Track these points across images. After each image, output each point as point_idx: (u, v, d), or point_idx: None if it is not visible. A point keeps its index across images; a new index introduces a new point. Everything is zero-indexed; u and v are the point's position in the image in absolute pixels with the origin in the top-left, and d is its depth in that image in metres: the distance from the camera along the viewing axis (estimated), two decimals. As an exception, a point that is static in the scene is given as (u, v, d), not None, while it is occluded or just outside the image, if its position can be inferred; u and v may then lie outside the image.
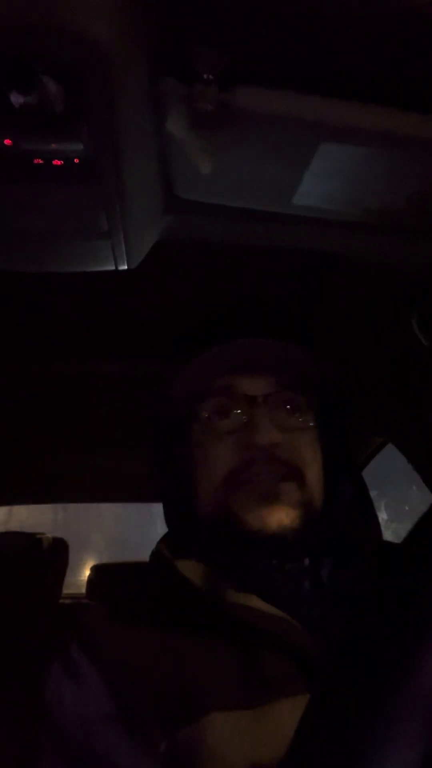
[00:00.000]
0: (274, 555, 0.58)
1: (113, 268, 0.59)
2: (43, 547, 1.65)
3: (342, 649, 0.30)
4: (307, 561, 0.60)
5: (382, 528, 1.36)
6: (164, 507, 0.69)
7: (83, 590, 1.90)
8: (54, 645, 0.67)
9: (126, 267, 0.59)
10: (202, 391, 0.64)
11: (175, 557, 0.63)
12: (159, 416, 0.69)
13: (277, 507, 0.58)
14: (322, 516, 0.62)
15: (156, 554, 0.68)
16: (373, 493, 1.35)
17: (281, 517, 0.58)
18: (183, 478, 0.65)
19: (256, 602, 0.56)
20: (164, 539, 0.69)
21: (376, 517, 1.34)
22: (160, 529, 0.71)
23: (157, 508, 0.70)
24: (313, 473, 0.62)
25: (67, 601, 1.80)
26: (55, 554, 1.66)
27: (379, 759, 0.25)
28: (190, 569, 0.60)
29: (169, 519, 0.68)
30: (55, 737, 0.51)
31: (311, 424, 0.64)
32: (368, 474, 1.36)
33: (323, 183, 0.51)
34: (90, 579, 1.86)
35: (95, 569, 1.88)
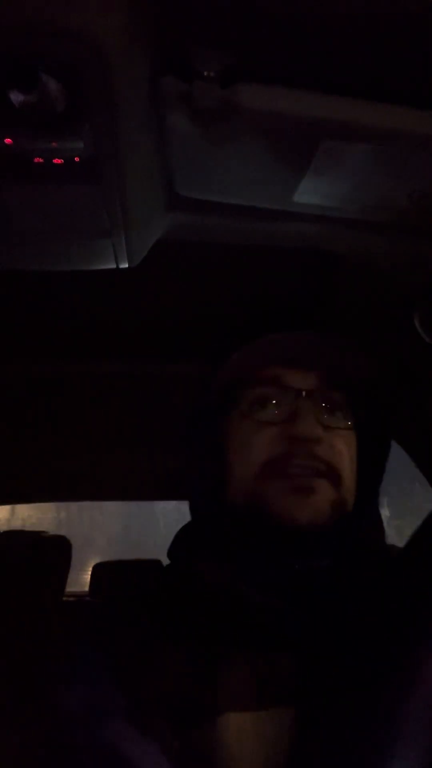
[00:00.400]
0: (301, 552, 0.58)
1: (114, 266, 0.59)
2: (46, 545, 1.66)
3: (347, 652, 0.30)
4: (328, 562, 0.59)
5: (385, 526, 1.36)
6: (191, 494, 0.68)
7: (86, 588, 1.90)
8: (57, 643, 0.67)
9: (127, 265, 0.59)
10: (248, 379, 0.64)
11: (193, 554, 0.63)
12: (199, 400, 0.68)
13: (310, 501, 0.58)
14: (350, 519, 0.61)
15: (174, 546, 0.67)
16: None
17: (313, 512, 0.57)
18: (215, 465, 0.64)
19: (273, 602, 0.56)
20: (182, 533, 0.69)
21: (380, 517, 1.34)
22: (163, 527, 0.70)
23: (160, 507, 0.70)
24: (349, 475, 0.62)
25: (70, 600, 1.80)
26: (58, 553, 1.66)
27: (382, 759, 0.25)
28: (209, 567, 0.60)
29: (195, 508, 0.67)
30: (63, 734, 0.51)
31: (350, 426, 0.64)
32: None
33: (324, 181, 0.51)
34: (93, 577, 1.86)
35: (98, 567, 1.88)
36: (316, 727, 0.30)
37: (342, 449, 0.61)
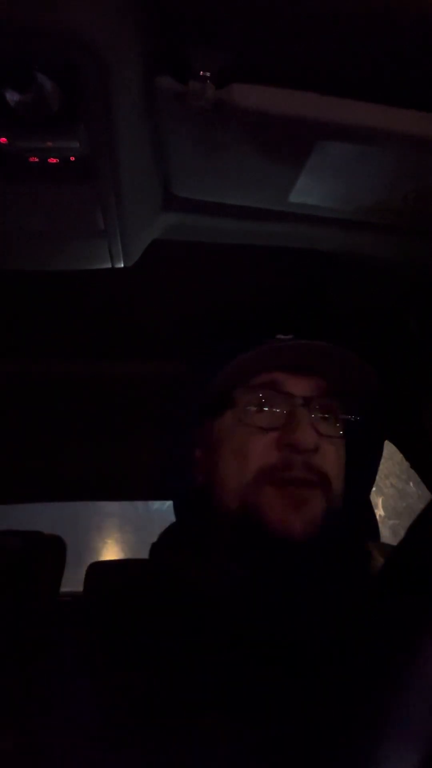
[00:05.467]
0: (293, 562, 0.58)
1: (110, 266, 0.59)
2: (41, 545, 1.65)
3: (343, 652, 0.30)
4: (319, 570, 0.59)
5: (380, 525, 1.37)
6: (176, 496, 0.68)
7: (81, 588, 1.89)
8: (51, 643, 0.67)
9: (122, 265, 0.59)
10: (246, 382, 0.64)
11: (178, 553, 0.62)
12: (194, 401, 0.68)
13: (305, 512, 0.58)
14: (340, 527, 0.61)
15: (157, 547, 0.67)
16: (370, 491, 1.36)
17: (307, 523, 0.57)
18: (206, 467, 0.64)
19: (264, 605, 0.56)
20: (169, 532, 0.68)
21: (374, 516, 1.34)
22: (158, 527, 0.70)
23: (156, 507, 0.70)
24: (339, 484, 0.62)
25: (66, 599, 1.80)
26: (53, 552, 1.66)
27: (379, 757, 0.25)
28: (195, 565, 0.60)
29: (181, 509, 0.67)
30: (49, 733, 0.51)
31: (342, 434, 0.64)
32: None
33: (320, 181, 0.51)
34: (88, 577, 1.85)
35: (93, 567, 1.87)
36: (311, 727, 0.30)
37: (333, 458, 0.62)
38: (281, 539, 0.56)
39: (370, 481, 0.67)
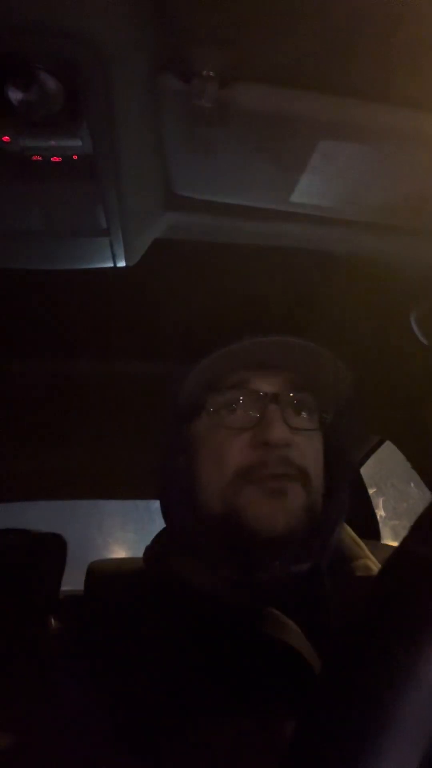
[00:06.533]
0: (279, 557, 0.58)
1: (111, 265, 0.59)
2: (42, 544, 1.65)
3: (341, 650, 0.30)
4: (308, 565, 0.60)
5: (380, 525, 1.37)
6: (164, 501, 0.68)
7: (82, 587, 1.89)
8: (51, 643, 0.67)
9: (124, 264, 0.59)
10: (216, 385, 0.64)
11: (171, 555, 0.63)
12: (169, 408, 0.68)
13: (284, 505, 0.58)
14: (322, 520, 0.61)
15: (150, 551, 0.67)
16: (371, 491, 1.36)
17: (288, 516, 0.58)
18: (187, 473, 0.65)
19: (255, 604, 0.56)
20: (161, 536, 0.69)
21: (374, 516, 1.35)
22: (158, 527, 0.70)
23: (157, 505, 0.70)
24: (317, 475, 0.62)
25: (66, 599, 1.80)
26: (54, 551, 1.66)
27: (376, 757, 0.25)
28: (188, 567, 0.60)
29: (168, 514, 0.68)
30: (47, 733, 0.51)
31: (317, 426, 0.64)
32: (366, 471, 1.36)
33: (321, 180, 0.51)
34: (88, 576, 1.85)
35: (94, 566, 1.87)
36: (307, 726, 0.30)
37: (309, 451, 0.62)
38: (265, 534, 0.57)
39: (351, 470, 0.68)
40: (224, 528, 0.59)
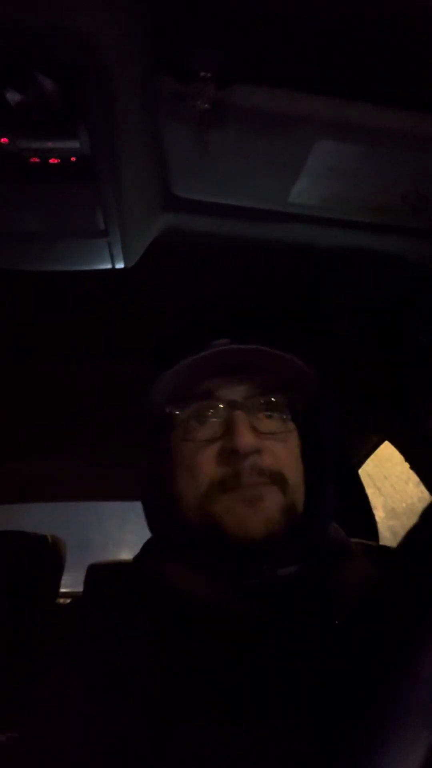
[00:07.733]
0: (262, 561, 0.58)
1: (110, 266, 0.59)
2: (41, 546, 1.65)
3: (341, 649, 0.30)
4: (295, 567, 0.59)
5: (379, 526, 1.37)
6: (147, 512, 0.68)
7: (80, 589, 1.89)
8: (50, 644, 0.67)
9: (123, 266, 0.59)
10: (181, 396, 0.64)
11: (161, 561, 0.63)
12: (142, 421, 0.69)
13: (261, 510, 0.58)
14: (306, 521, 0.61)
15: (140, 558, 0.68)
16: (369, 491, 1.36)
17: (265, 520, 0.58)
18: (166, 484, 0.65)
19: (243, 608, 0.56)
20: (149, 544, 0.69)
21: (372, 517, 1.35)
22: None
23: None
24: (295, 476, 0.62)
25: (65, 600, 1.80)
26: (53, 553, 1.66)
27: (382, 752, 0.25)
28: (176, 574, 0.60)
29: (152, 524, 0.67)
30: (46, 732, 0.51)
31: (291, 426, 0.64)
32: (365, 472, 1.36)
33: (319, 181, 0.52)
34: (87, 578, 1.85)
35: (92, 568, 1.87)
36: (309, 724, 0.30)
37: (283, 453, 0.61)
38: (244, 540, 0.57)
39: (335, 467, 0.67)
40: (204, 536, 0.59)
